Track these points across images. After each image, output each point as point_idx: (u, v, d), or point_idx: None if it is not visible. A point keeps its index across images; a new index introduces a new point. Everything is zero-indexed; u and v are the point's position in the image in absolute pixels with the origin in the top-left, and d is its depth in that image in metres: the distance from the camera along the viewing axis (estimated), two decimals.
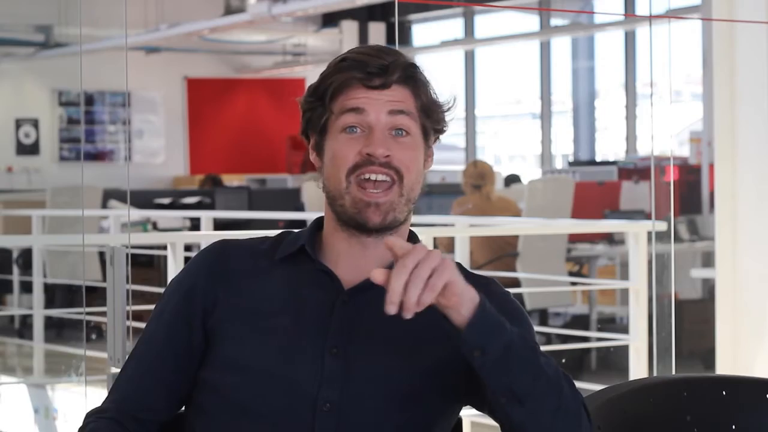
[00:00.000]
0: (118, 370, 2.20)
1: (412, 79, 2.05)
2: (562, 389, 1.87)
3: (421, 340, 1.97)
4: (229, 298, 2.03)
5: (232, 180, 14.41)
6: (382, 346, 1.97)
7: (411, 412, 1.96)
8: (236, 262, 2.06)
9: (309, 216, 8.53)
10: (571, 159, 14.51)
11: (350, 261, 2.03)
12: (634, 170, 10.60)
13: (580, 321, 8.76)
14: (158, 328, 2.06)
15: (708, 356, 6.48)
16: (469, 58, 15.77)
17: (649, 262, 5.11)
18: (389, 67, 2.02)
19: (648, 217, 8.03)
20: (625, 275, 6.52)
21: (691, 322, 7.90)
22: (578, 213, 8.48)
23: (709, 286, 8.58)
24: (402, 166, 2.01)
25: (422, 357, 1.97)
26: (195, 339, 2.03)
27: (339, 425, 1.93)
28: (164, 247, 6.44)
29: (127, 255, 3.49)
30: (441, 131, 2.12)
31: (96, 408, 2.06)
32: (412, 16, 15.74)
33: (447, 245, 7.74)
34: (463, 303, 1.81)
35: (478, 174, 8.26)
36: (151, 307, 2.18)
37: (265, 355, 1.98)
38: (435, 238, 7.06)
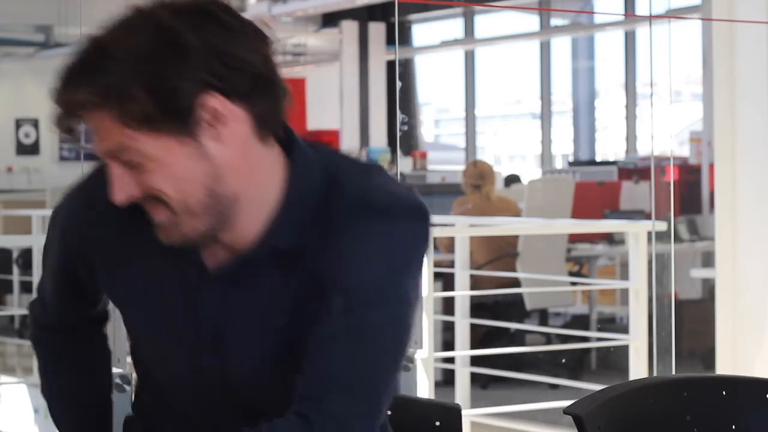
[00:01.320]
0: (119, 370, 2.20)
1: (94, 101, 1.63)
2: None
3: (288, 311, 1.78)
4: (104, 268, 1.86)
5: None
6: (253, 333, 1.80)
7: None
8: (107, 219, 1.83)
9: None
10: (571, 159, 14.52)
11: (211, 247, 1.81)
12: (634, 170, 10.60)
13: (580, 321, 8.76)
14: (51, 260, 1.96)
15: (708, 356, 6.48)
16: (469, 58, 15.78)
17: (649, 262, 5.11)
18: (68, 106, 1.65)
19: (648, 217, 8.03)
20: (625, 275, 6.52)
21: (691, 322, 7.91)
22: (578, 213, 8.49)
23: (709, 286, 8.58)
24: (156, 193, 1.69)
25: (291, 327, 1.79)
26: (82, 274, 1.91)
27: (234, 412, 1.84)
28: None
29: None
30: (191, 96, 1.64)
31: (36, 316, 2.04)
32: (412, 16, 15.74)
33: (447, 245, 7.74)
34: None
35: (478, 174, 8.26)
36: None
37: (146, 344, 1.89)
38: (435, 238, 7.06)
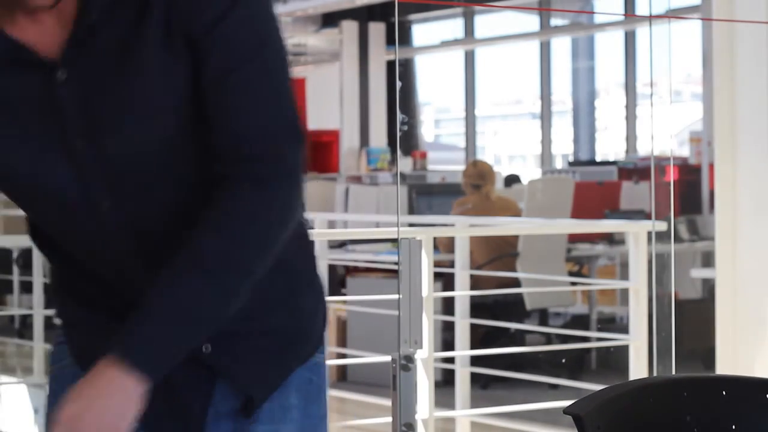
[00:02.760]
0: None
1: None
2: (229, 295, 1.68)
3: (158, 71, 1.68)
4: None
5: None
6: (123, 111, 1.68)
7: (174, 154, 1.72)
8: None
9: (310, 216, 8.49)
10: (571, 159, 14.52)
11: (37, 26, 1.68)
12: (634, 170, 10.61)
13: (580, 321, 8.76)
14: None
15: (708, 356, 6.48)
16: (469, 58, 15.78)
17: (649, 262, 5.11)
18: None
19: (648, 217, 8.03)
20: (625, 275, 6.52)
21: (691, 322, 7.90)
22: (578, 213, 8.49)
23: (709, 286, 8.58)
24: None
25: (164, 88, 1.69)
26: None
27: (128, 218, 1.73)
28: None
29: None
30: None
31: None
32: (412, 16, 15.74)
33: (447, 245, 7.74)
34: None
35: (478, 174, 8.26)
36: None
37: (18, 188, 1.76)
38: (435, 238, 7.07)
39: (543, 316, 8.36)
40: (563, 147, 15.67)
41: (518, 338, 8.14)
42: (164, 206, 1.73)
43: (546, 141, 15.17)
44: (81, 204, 1.72)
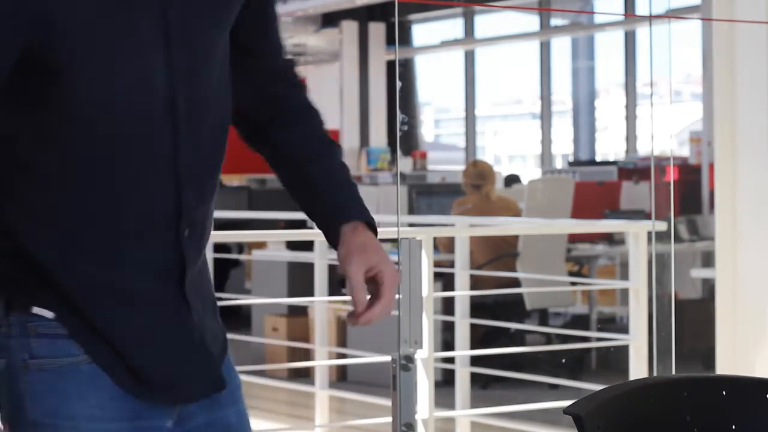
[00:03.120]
0: None
1: None
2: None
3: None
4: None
5: (232, 180, 14.40)
6: (214, 10, 1.85)
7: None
8: None
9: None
10: (571, 159, 14.53)
11: None
12: (634, 170, 10.61)
13: (580, 321, 8.76)
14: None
15: (708, 356, 6.48)
16: (469, 58, 15.78)
17: (649, 262, 5.11)
18: None
19: (648, 217, 8.03)
20: (625, 275, 6.52)
21: (691, 322, 7.91)
22: (578, 213, 8.49)
23: (709, 286, 8.58)
24: None
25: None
26: None
27: (194, 131, 1.82)
28: None
29: None
30: None
31: None
32: (412, 16, 15.74)
33: (447, 245, 7.74)
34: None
35: (478, 174, 8.26)
36: None
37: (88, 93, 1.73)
38: (435, 238, 7.07)
39: (543, 316, 8.36)
40: (563, 147, 15.67)
41: (518, 338, 8.14)
42: (214, 125, 1.87)
43: (546, 141, 15.17)
44: (162, 110, 1.78)
